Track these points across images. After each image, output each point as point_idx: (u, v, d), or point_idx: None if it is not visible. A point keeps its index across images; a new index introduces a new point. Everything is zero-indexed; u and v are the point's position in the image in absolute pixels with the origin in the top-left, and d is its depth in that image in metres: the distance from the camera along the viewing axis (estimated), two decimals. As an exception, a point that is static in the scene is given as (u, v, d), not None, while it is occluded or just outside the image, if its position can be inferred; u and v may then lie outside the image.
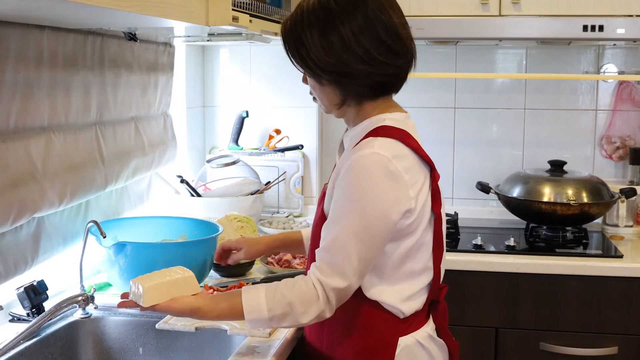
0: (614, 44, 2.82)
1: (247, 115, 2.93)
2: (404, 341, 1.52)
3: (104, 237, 1.82)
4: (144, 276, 1.46)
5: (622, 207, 2.69)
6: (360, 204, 1.40)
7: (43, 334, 1.69)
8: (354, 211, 1.40)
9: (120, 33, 2.15)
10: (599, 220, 2.73)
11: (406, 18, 1.51)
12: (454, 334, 1.65)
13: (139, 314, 1.82)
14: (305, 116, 2.97)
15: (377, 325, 1.51)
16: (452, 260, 2.36)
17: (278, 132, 2.97)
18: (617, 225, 2.71)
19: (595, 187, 2.59)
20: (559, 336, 2.38)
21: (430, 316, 1.60)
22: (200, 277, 1.95)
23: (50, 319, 1.69)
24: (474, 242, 2.53)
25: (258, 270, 2.21)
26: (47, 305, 1.76)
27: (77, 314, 1.81)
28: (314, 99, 1.58)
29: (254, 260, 2.19)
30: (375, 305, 1.50)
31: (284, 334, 1.67)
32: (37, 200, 1.73)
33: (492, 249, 2.51)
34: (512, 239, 2.52)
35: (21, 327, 1.61)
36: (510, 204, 2.68)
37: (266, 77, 2.99)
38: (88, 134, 1.99)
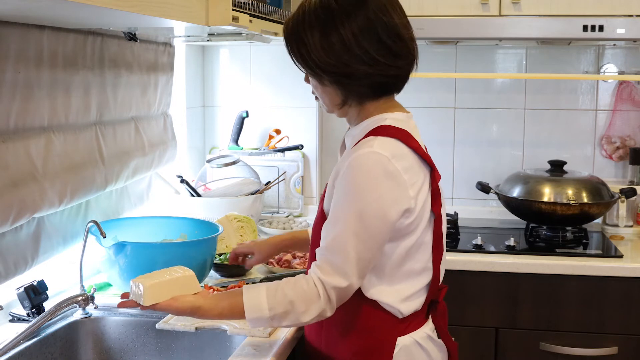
0: (614, 44, 2.82)
1: (247, 115, 2.93)
2: (402, 341, 1.52)
3: (104, 237, 1.82)
4: (144, 276, 1.46)
5: (622, 207, 2.69)
6: (359, 203, 1.40)
7: (43, 334, 1.69)
8: (353, 211, 1.40)
9: (120, 33, 2.15)
10: (599, 220, 2.73)
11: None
12: (453, 334, 1.65)
13: (139, 314, 1.82)
14: (305, 116, 2.97)
15: (376, 325, 1.51)
16: (452, 260, 2.36)
17: (278, 132, 2.97)
18: (617, 225, 2.71)
19: (595, 187, 2.59)
20: (559, 336, 2.38)
21: (430, 316, 1.60)
22: (200, 277, 1.95)
23: (50, 319, 1.69)
24: (474, 242, 2.53)
25: (258, 270, 2.21)
26: (47, 305, 1.76)
27: (77, 314, 1.81)
28: (316, 98, 1.58)
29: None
30: (374, 305, 1.50)
31: (284, 334, 1.67)
32: (37, 200, 1.73)
33: (492, 249, 2.51)
34: (512, 239, 2.52)
35: (21, 327, 1.61)
36: (510, 204, 2.68)
37: (266, 77, 2.99)
38: (88, 134, 1.99)
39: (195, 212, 2.54)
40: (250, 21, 2.00)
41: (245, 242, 1.97)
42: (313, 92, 1.58)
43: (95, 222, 1.81)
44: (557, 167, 2.71)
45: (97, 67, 2.03)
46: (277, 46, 2.82)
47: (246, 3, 1.97)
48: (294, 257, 2.25)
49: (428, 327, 1.58)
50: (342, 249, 1.40)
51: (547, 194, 2.57)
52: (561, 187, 2.58)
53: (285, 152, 2.94)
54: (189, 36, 2.37)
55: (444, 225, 1.57)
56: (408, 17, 1.52)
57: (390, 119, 1.50)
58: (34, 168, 1.72)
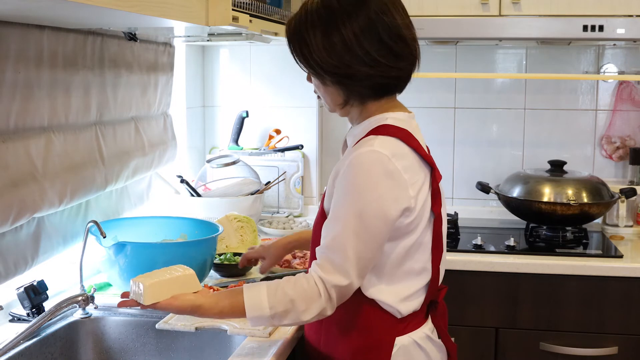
0: (614, 44, 2.82)
1: (247, 115, 2.93)
2: (400, 341, 1.52)
3: (104, 237, 1.82)
4: (144, 275, 1.46)
5: (622, 207, 2.69)
6: (359, 203, 1.40)
7: (43, 334, 1.69)
8: (352, 210, 1.40)
9: (120, 33, 2.15)
10: (599, 220, 2.73)
11: (407, 18, 1.51)
12: (453, 334, 1.65)
13: (139, 314, 1.82)
14: (305, 116, 2.97)
15: (375, 324, 1.51)
16: (452, 260, 2.36)
17: (278, 132, 2.97)
18: (617, 225, 2.71)
19: (595, 187, 2.59)
20: (559, 336, 2.38)
21: (429, 317, 1.60)
22: (201, 277, 1.95)
23: (50, 319, 1.69)
24: (474, 242, 2.53)
25: (258, 270, 2.20)
26: (47, 305, 1.76)
27: (77, 314, 1.81)
28: (318, 97, 1.59)
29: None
30: (373, 304, 1.50)
31: (284, 334, 1.67)
32: (37, 200, 1.73)
33: (492, 249, 2.51)
34: (512, 239, 2.52)
35: (21, 327, 1.61)
36: (510, 204, 2.68)
37: (266, 77, 2.99)
38: (88, 134, 1.99)
39: (195, 212, 2.54)
40: (250, 21, 1.99)
41: (254, 248, 2.01)
42: (315, 91, 1.58)
43: (95, 222, 1.81)
44: (557, 167, 2.71)
45: (97, 67, 2.03)
46: (277, 46, 2.82)
47: (246, 3, 1.97)
48: (294, 257, 2.25)
49: (427, 328, 1.58)
50: (342, 247, 1.40)
51: (547, 194, 2.57)
52: (561, 187, 2.58)
53: (285, 152, 2.94)
54: (189, 36, 2.36)
55: (444, 225, 1.57)
56: (408, 17, 1.52)
57: (391, 118, 1.50)
58: (34, 168, 1.72)
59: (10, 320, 1.76)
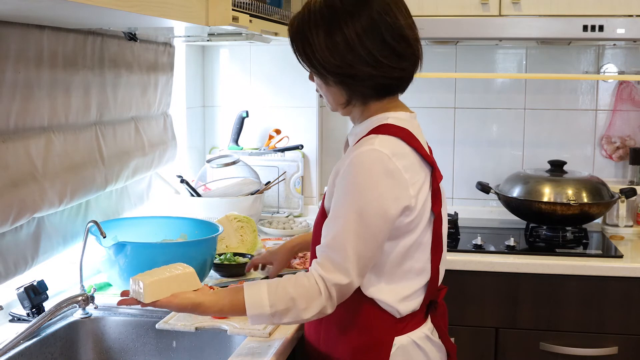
0: (614, 44, 2.82)
1: (247, 115, 2.93)
2: (399, 341, 1.52)
3: (104, 237, 1.82)
4: (144, 273, 1.46)
5: (622, 207, 2.69)
6: (359, 202, 1.40)
7: (43, 334, 1.69)
8: (353, 209, 1.40)
9: (120, 33, 2.15)
10: (599, 220, 2.73)
11: (407, 18, 1.51)
12: (454, 334, 1.65)
13: (139, 313, 1.82)
14: (305, 116, 2.97)
15: (374, 323, 1.51)
16: (452, 260, 2.36)
17: (278, 132, 2.97)
18: (617, 225, 2.71)
19: (595, 187, 2.59)
20: (559, 336, 2.38)
21: (429, 317, 1.60)
22: (201, 277, 1.95)
23: (50, 319, 1.69)
24: (474, 242, 2.53)
25: (263, 274, 2.20)
26: (47, 305, 1.76)
27: (77, 314, 1.81)
28: (320, 96, 1.59)
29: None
30: (373, 303, 1.50)
31: (284, 334, 1.67)
32: (37, 200, 1.73)
33: (492, 249, 2.51)
34: (512, 239, 2.52)
35: (21, 327, 1.61)
36: (510, 204, 2.68)
37: (266, 77, 2.99)
38: (88, 134, 1.99)
39: (195, 212, 2.54)
40: (250, 21, 1.99)
41: (261, 253, 2.05)
42: (317, 91, 1.58)
43: (95, 222, 1.81)
44: (557, 167, 2.71)
45: (97, 67, 2.03)
46: (277, 46, 2.83)
47: (246, 3, 1.97)
48: (294, 257, 2.24)
49: (427, 328, 1.58)
50: (343, 246, 1.40)
51: (547, 194, 2.57)
52: (561, 187, 2.58)
53: (285, 152, 2.94)
54: (189, 36, 2.37)
55: (444, 225, 1.57)
56: (409, 18, 1.52)
57: (392, 118, 1.50)
58: (34, 168, 1.72)
59: (10, 320, 1.76)
